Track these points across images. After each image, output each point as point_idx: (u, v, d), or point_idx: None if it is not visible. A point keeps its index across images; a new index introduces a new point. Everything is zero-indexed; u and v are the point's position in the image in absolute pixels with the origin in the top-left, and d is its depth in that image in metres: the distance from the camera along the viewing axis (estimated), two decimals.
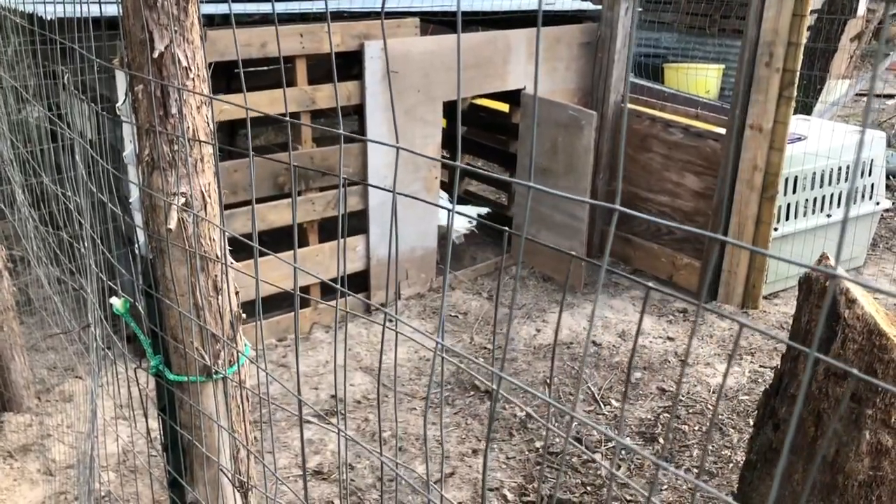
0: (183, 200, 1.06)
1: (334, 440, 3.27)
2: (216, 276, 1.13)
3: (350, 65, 4.26)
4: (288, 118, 0.88)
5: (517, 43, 4.45)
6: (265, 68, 5.17)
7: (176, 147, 1.05)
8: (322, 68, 4.36)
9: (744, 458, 2.45)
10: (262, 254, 1.30)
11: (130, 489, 2.93)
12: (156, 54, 1.01)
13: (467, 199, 5.73)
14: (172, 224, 1.04)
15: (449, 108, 4.56)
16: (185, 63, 1.03)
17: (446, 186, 5.51)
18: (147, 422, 1.34)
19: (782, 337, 3.22)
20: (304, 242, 4.09)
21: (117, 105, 1.09)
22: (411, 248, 4.44)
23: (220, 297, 1.15)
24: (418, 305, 4.46)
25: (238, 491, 1.24)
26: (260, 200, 3.87)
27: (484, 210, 5.22)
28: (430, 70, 4.10)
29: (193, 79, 1.05)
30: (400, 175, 4.25)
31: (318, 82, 3.87)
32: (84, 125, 3.66)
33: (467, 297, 4.55)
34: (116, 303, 1.21)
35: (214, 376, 1.17)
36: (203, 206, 1.10)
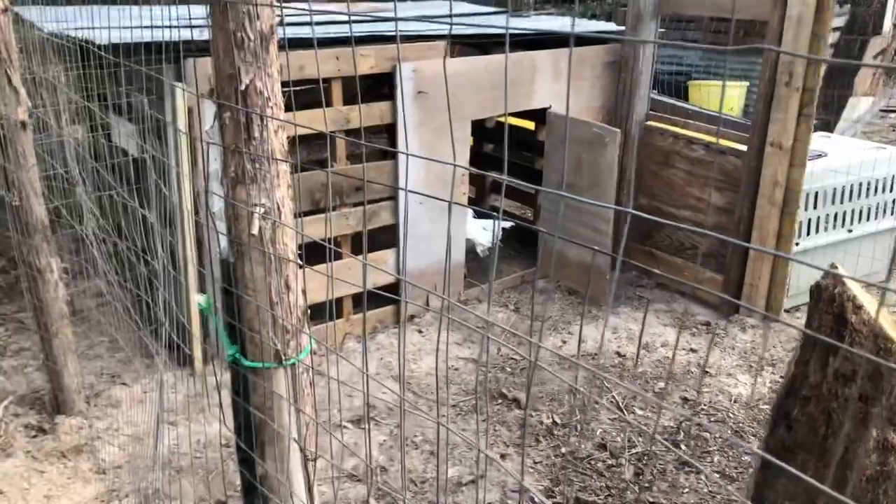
0: (263, 210, 1.23)
1: (366, 446, 3.42)
2: (287, 275, 1.30)
3: (383, 85, 4.44)
4: (362, 140, 1.04)
5: (543, 63, 4.61)
6: (298, 88, 5.37)
7: (257, 165, 1.22)
8: (356, 89, 4.55)
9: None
10: (319, 261, 1.46)
11: (177, 487, 3.10)
12: (242, 87, 1.18)
13: (493, 213, 5.88)
14: (255, 230, 1.21)
15: (478, 127, 4.73)
16: (265, 94, 1.21)
17: (473, 202, 5.67)
18: (222, 411, 1.49)
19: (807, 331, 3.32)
20: (337, 255, 4.26)
21: (205, 129, 1.25)
22: (439, 261, 4.60)
23: (290, 294, 1.31)
24: (447, 316, 4.60)
25: (304, 462, 1.39)
26: (304, 214, 4.04)
27: (508, 224, 5.36)
28: (458, 90, 4.28)
29: (272, 107, 1.23)
30: (429, 191, 4.42)
31: (353, 102, 4.05)
32: (128, 143, 3.88)
33: (494, 309, 4.69)
34: (200, 299, 1.39)
35: (285, 363, 1.34)
36: (279, 215, 1.27)
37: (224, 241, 1.34)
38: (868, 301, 2.02)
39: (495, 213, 5.82)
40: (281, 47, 1.30)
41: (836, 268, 2.08)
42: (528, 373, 3.97)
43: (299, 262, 1.30)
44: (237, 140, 1.23)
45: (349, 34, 4.12)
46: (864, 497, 1.98)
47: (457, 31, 4.42)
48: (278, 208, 1.27)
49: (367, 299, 4.41)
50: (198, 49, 3.18)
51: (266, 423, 1.36)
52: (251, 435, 1.40)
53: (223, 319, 1.37)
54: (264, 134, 1.23)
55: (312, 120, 3.80)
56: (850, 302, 1.99)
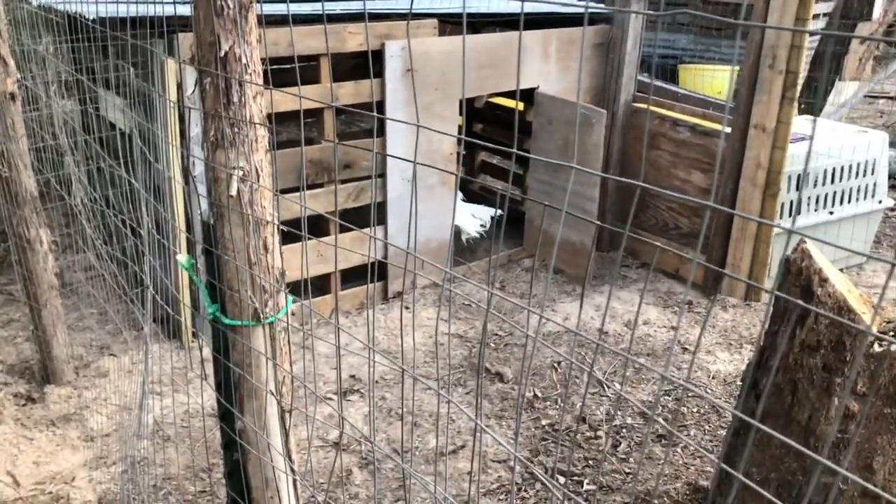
0: (241, 173, 1.28)
1: (352, 415, 3.48)
2: (266, 237, 1.36)
3: (371, 63, 4.47)
4: (375, 112, 1.08)
5: (532, 43, 4.65)
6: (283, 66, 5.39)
7: (236, 129, 1.28)
8: (344, 67, 4.58)
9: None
10: (295, 238, 1.52)
11: (164, 455, 3.16)
12: (222, 53, 1.23)
13: (481, 194, 5.93)
14: (234, 191, 1.27)
15: (468, 107, 4.76)
16: (244, 60, 1.26)
17: (462, 182, 5.72)
18: (206, 381, 1.54)
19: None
20: (326, 232, 4.31)
21: (186, 94, 1.30)
22: (427, 240, 4.65)
23: (268, 255, 1.37)
24: (433, 294, 4.67)
25: (281, 415, 1.46)
26: (284, 191, 4.09)
27: (497, 212, 5.38)
28: (447, 69, 4.31)
29: (251, 73, 1.28)
30: (418, 170, 4.46)
31: (341, 80, 4.09)
32: (116, 117, 3.90)
33: (480, 288, 4.75)
34: (182, 259, 1.44)
35: (263, 321, 1.40)
36: (257, 178, 1.32)
37: (205, 204, 1.40)
38: (834, 275, 2.08)
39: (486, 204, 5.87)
40: (270, 22, 1.35)
41: (805, 243, 2.15)
42: (527, 344, 4.04)
43: (295, 231, 1.36)
44: (217, 105, 1.28)
45: (337, 11, 4.15)
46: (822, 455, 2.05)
47: (446, 10, 4.45)
48: (256, 172, 1.32)
49: (355, 276, 4.48)
50: (185, 25, 3.21)
51: (245, 378, 1.42)
52: (230, 391, 1.46)
53: (204, 279, 1.42)
54: (243, 99, 1.28)
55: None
56: (816, 275, 2.06)
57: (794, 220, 1.01)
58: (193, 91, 1.31)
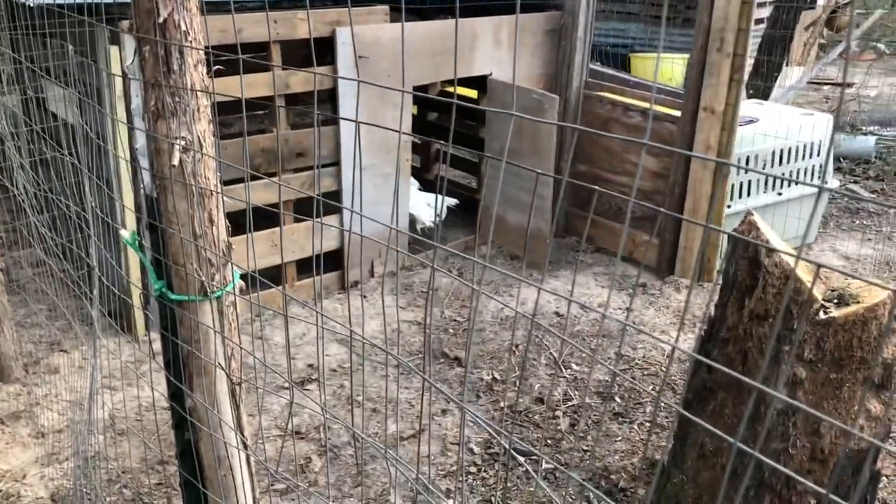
0: (184, 143, 1.26)
1: (310, 404, 3.46)
2: (211, 209, 1.33)
3: (322, 51, 4.43)
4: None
5: (483, 30, 4.65)
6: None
7: (177, 98, 1.25)
8: (296, 54, 4.53)
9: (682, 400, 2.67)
10: (262, 227, 1.50)
11: (119, 449, 3.10)
12: (161, 20, 1.21)
13: (438, 182, 5.93)
14: (175, 161, 1.24)
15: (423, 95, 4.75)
16: (184, 28, 1.23)
17: (418, 171, 5.71)
18: (151, 344, 1.51)
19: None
20: (279, 222, 4.26)
21: (126, 64, 1.27)
22: (384, 228, 4.63)
23: (214, 227, 1.35)
24: (391, 282, 4.66)
25: (231, 391, 1.43)
26: (236, 181, 4.03)
27: (453, 201, 5.37)
28: (398, 57, 4.29)
29: (191, 41, 1.26)
30: (373, 159, 4.44)
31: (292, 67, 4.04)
32: (66, 110, 3.81)
33: (438, 275, 4.76)
34: (125, 234, 1.41)
35: (210, 296, 1.37)
36: (200, 148, 1.30)
37: (148, 177, 1.37)
38: (781, 245, 2.13)
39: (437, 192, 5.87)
40: (213, 8, 1.33)
41: (752, 215, 2.19)
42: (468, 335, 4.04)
43: (220, 194, 1.34)
44: (156, 74, 1.26)
45: None
46: (775, 430, 2.10)
47: None
48: (199, 142, 1.30)
49: (312, 266, 4.44)
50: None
51: (194, 355, 1.39)
52: (179, 369, 1.44)
53: (150, 255, 1.39)
54: (183, 67, 1.26)
55: (250, 85, 3.79)
56: (763, 246, 2.10)
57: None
58: (133, 61, 1.28)
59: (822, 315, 2.00)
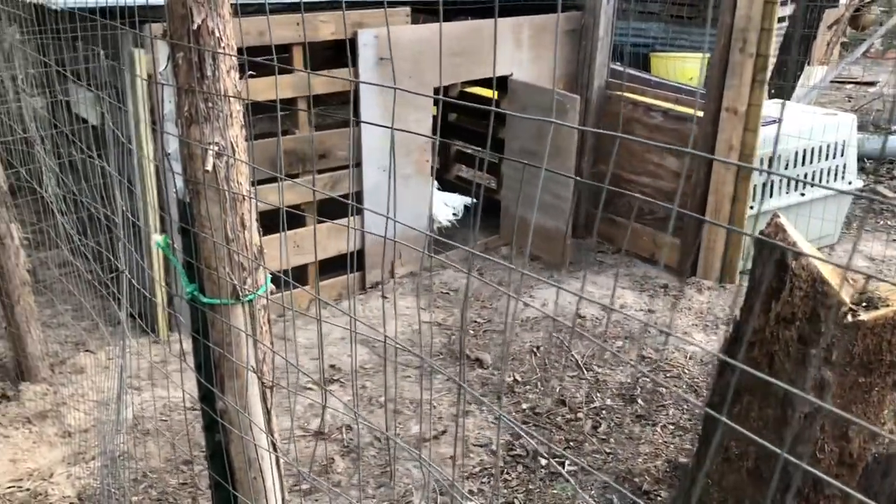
0: (217, 148, 1.27)
1: (333, 403, 3.48)
2: (243, 214, 1.35)
3: (344, 53, 4.45)
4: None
5: (503, 31, 4.65)
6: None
7: (210, 104, 1.27)
8: (317, 56, 4.55)
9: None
10: (271, 231, 1.50)
11: (144, 449, 3.13)
12: (195, 26, 1.22)
13: (457, 183, 5.93)
14: (209, 166, 1.26)
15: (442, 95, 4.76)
16: (217, 34, 1.25)
17: (437, 172, 5.72)
18: (181, 346, 1.53)
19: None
20: (301, 223, 4.29)
21: (159, 70, 1.28)
22: (404, 230, 4.64)
23: (246, 231, 1.36)
24: (411, 283, 4.67)
25: (262, 394, 1.45)
26: (262, 183, 4.06)
27: (469, 200, 5.37)
28: (420, 58, 4.30)
29: (224, 47, 1.27)
30: (391, 159, 4.45)
31: (314, 69, 4.06)
32: (88, 112, 3.85)
33: (458, 276, 4.76)
34: (158, 238, 1.43)
35: (242, 299, 1.39)
36: (233, 153, 1.31)
37: (180, 182, 1.39)
38: (807, 248, 2.11)
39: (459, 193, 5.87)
40: (238, 12, 1.34)
41: (778, 217, 2.17)
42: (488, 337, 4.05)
43: (253, 199, 1.35)
44: (190, 80, 1.27)
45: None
46: (802, 434, 2.09)
47: None
48: (232, 147, 1.31)
49: (332, 267, 4.46)
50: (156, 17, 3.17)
51: (225, 357, 1.41)
52: (211, 371, 1.45)
53: (181, 259, 1.41)
54: (216, 73, 1.27)
55: (273, 86, 3.80)
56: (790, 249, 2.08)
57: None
58: (166, 67, 1.30)
59: (850, 318, 1.99)
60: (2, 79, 3.83)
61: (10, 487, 2.94)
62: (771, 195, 4.68)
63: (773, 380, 0.94)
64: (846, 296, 2.05)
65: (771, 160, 4.58)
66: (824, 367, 2.02)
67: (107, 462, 3.02)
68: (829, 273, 2.06)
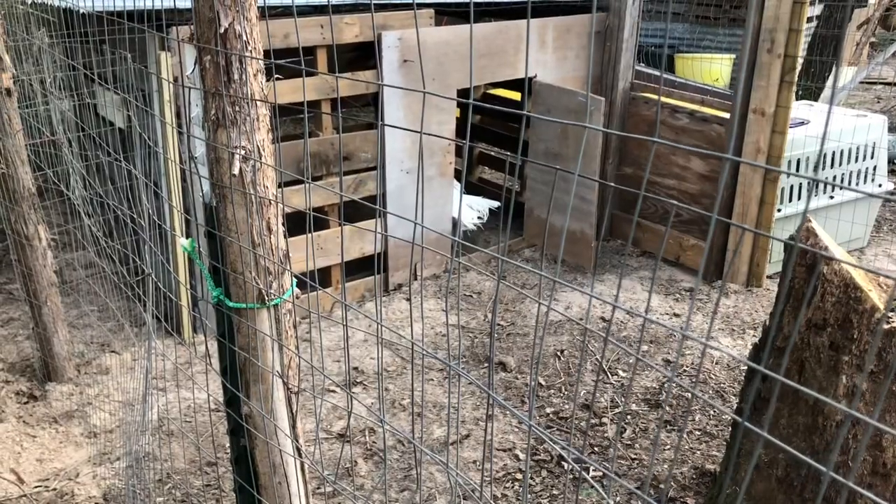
0: (244, 152, 1.27)
1: (356, 407, 3.47)
2: (269, 218, 1.34)
3: (368, 55, 4.45)
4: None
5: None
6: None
7: (237, 108, 1.26)
8: (341, 58, 4.56)
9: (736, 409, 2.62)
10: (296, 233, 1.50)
11: (168, 450, 3.15)
12: (222, 30, 1.22)
13: (481, 186, 5.92)
14: (235, 170, 1.25)
15: (463, 97, 4.75)
16: (244, 38, 1.24)
17: (460, 174, 5.70)
18: (208, 349, 1.53)
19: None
20: (325, 225, 4.29)
21: (186, 74, 1.28)
22: (426, 232, 4.63)
23: (272, 236, 1.35)
24: (434, 285, 4.66)
25: (288, 398, 1.44)
26: (286, 185, 4.07)
27: (495, 203, 5.36)
28: (444, 59, 4.29)
29: (251, 51, 1.26)
30: (416, 161, 4.45)
31: (338, 72, 4.07)
32: (115, 115, 3.89)
33: (481, 279, 4.75)
34: (184, 242, 1.43)
35: (268, 303, 1.38)
36: (259, 158, 1.31)
37: (206, 185, 1.38)
38: (839, 252, 2.07)
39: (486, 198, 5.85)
40: (264, 15, 1.33)
41: (810, 221, 2.13)
42: (511, 340, 4.02)
43: (279, 204, 1.34)
44: (217, 83, 1.26)
45: (333, 2, 4.13)
46: (834, 442, 2.04)
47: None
48: (259, 151, 1.31)
49: (354, 269, 4.46)
50: (182, 21, 3.20)
51: (251, 362, 1.40)
52: (236, 376, 1.45)
53: (207, 262, 1.40)
54: (244, 77, 1.27)
55: (298, 88, 3.82)
56: (822, 253, 2.04)
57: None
58: (193, 70, 1.29)
59: (884, 325, 1.95)
60: (31, 82, 3.87)
61: (37, 487, 2.97)
62: (799, 197, 4.61)
63: (802, 388, 0.92)
64: (880, 301, 2.01)
65: (798, 163, 4.51)
66: (856, 374, 1.98)
67: (132, 462, 3.04)
68: (862, 278, 2.02)
